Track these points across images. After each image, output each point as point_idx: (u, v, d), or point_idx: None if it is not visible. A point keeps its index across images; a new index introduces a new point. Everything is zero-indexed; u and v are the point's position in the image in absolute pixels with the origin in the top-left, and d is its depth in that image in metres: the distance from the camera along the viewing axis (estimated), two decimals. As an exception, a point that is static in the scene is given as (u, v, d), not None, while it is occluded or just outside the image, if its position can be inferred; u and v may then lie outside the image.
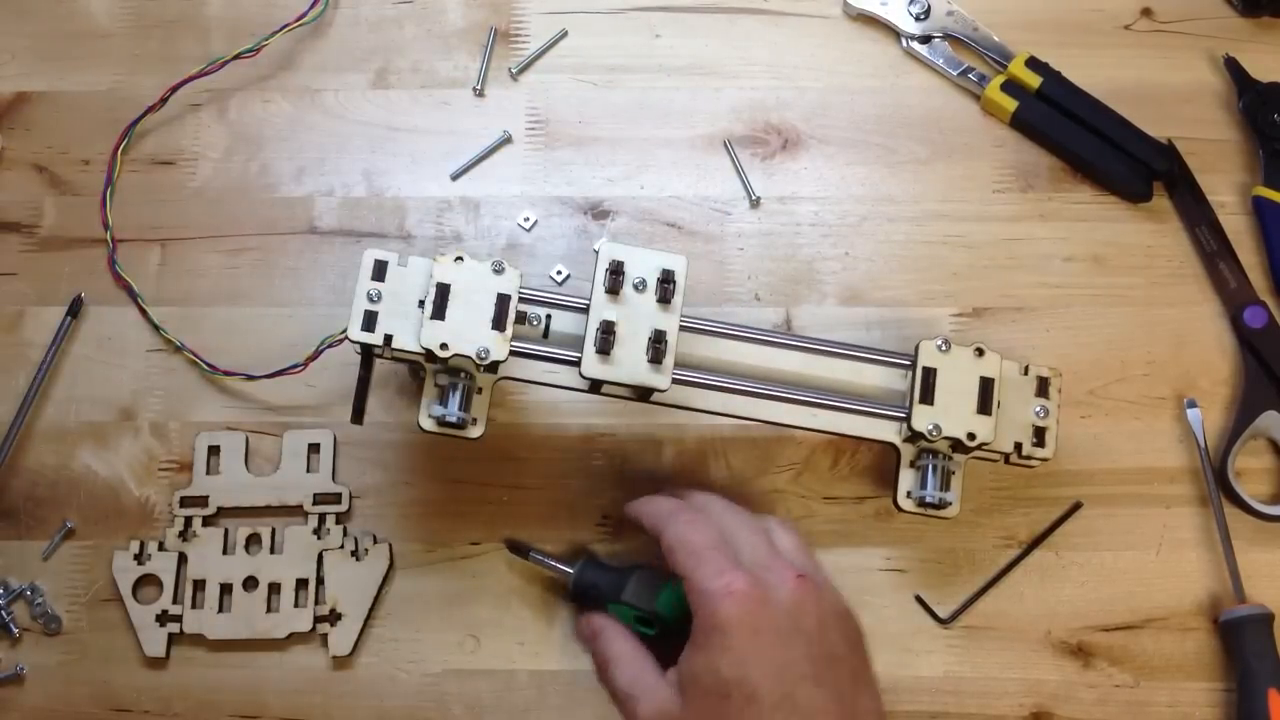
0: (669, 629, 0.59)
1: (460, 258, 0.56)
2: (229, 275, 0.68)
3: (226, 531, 0.63)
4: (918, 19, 0.71)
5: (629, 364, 0.55)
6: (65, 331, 0.66)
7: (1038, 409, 0.60)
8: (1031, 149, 0.70)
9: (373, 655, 0.63)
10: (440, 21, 0.72)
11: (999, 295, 0.67)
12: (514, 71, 0.71)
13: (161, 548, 0.63)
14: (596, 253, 0.57)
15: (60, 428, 0.66)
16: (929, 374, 0.58)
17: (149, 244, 0.68)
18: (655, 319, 0.56)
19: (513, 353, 0.55)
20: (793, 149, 0.70)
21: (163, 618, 0.62)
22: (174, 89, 0.69)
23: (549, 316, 0.58)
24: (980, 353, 0.59)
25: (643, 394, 0.57)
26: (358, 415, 0.59)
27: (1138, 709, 0.62)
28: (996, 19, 0.71)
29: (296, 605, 0.62)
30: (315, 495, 0.64)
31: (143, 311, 0.67)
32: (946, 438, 0.57)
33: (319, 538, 0.63)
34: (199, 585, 0.63)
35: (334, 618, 0.62)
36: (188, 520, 0.63)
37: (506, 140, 0.70)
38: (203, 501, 0.64)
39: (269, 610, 0.62)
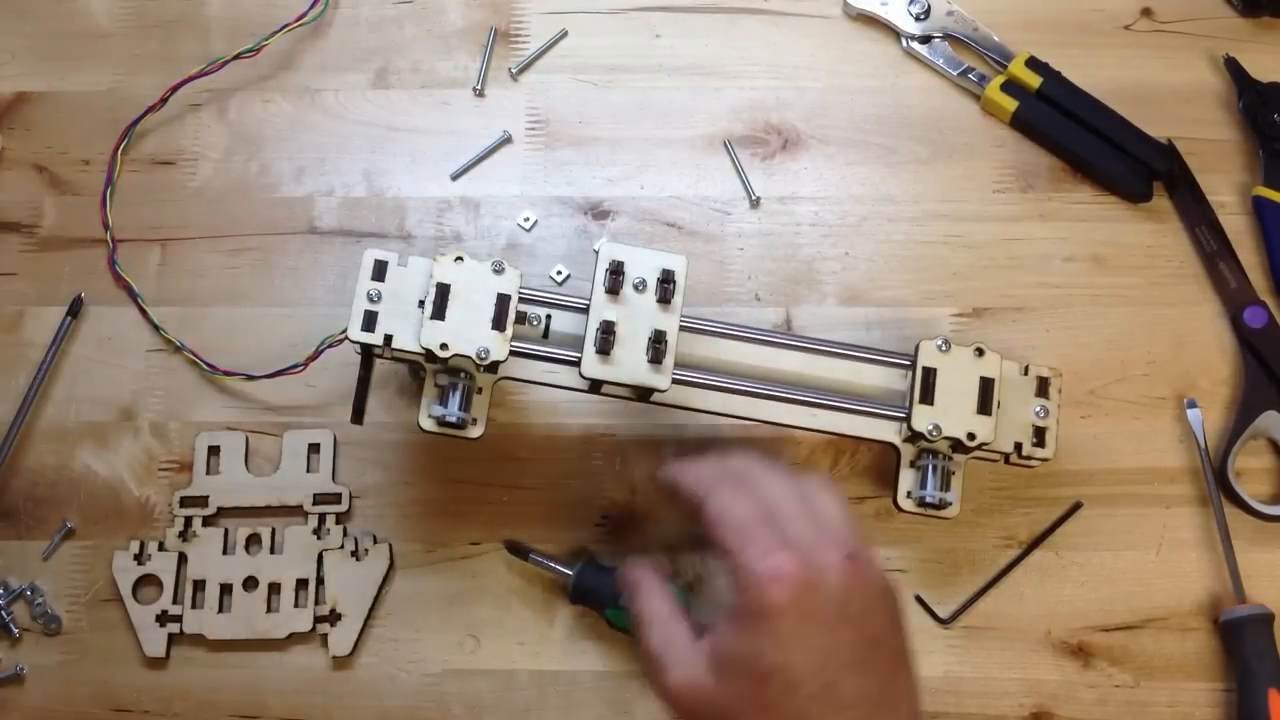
0: None
1: (460, 258, 0.56)
2: (229, 275, 0.68)
3: (226, 531, 0.63)
4: (918, 19, 0.71)
5: (629, 364, 0.55)
6: (65, 331, 0.66)
7: (1038, 409, 0.60)
8: (1031, 149, 0.70)
9: (373, 655, 0.63)
10: (440, 21, 0.72)
11: (999, 295, 0.67)
12: (514, 71, 0.71)
13: (161, 548, 0.63)
14: (596, 253, 0.57)
15: (60, 428, 0.66)
16: (929, 374, 0.58)
17: (149, 244, 0.68)
18: (655, 319, 0.56)
19: (513, 353, 0.55)
20: (793, 149, 0.70)
21: (163, 618, 0.62)
22: (174, 89, 0.69)
23: (549, 316, 0.58)
24: (980, 353, 0.59)
25: (643, 394, 0.57)
26: (358, 415, 0.59)
27: (1138, 709, 0.62)
28: (996, 19, 0.71)
29: (296, 605, 0.62)
30: (315, 495, 0.64)
31: (143, 311, 0.67)
32: (946, 438, 0.57)
33: (319, 538, 0.63)
34: (199, 585, 0.63)
35: (334, 618, 0.62)
36: (188, 520, 0.64)
37: (506, 140, 0.70)
38: (203, 501, 0.64)
39: (269, 610, 0.62)
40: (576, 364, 0.56)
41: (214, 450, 0.65)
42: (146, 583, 0.63)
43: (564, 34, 0.72)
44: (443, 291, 0.55)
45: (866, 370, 0.60)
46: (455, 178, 0.70)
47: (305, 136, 0.70)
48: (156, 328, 0.66)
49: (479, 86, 0.71)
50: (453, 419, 0.57)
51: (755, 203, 0.69)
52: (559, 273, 0.68)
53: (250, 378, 0.65)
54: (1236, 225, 0.68)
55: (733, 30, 0.72)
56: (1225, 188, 0.69)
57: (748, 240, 0.68)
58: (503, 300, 0.55)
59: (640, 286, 0.56)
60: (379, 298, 0.56)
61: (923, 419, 0.57)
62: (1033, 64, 0.70)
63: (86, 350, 0.67)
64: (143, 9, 0.73)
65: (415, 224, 0.69)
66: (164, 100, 0.69)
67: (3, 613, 0.63)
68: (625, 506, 0.64)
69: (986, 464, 0.62)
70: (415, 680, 0.62)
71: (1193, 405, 0.65)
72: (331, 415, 0.65)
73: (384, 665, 0.62)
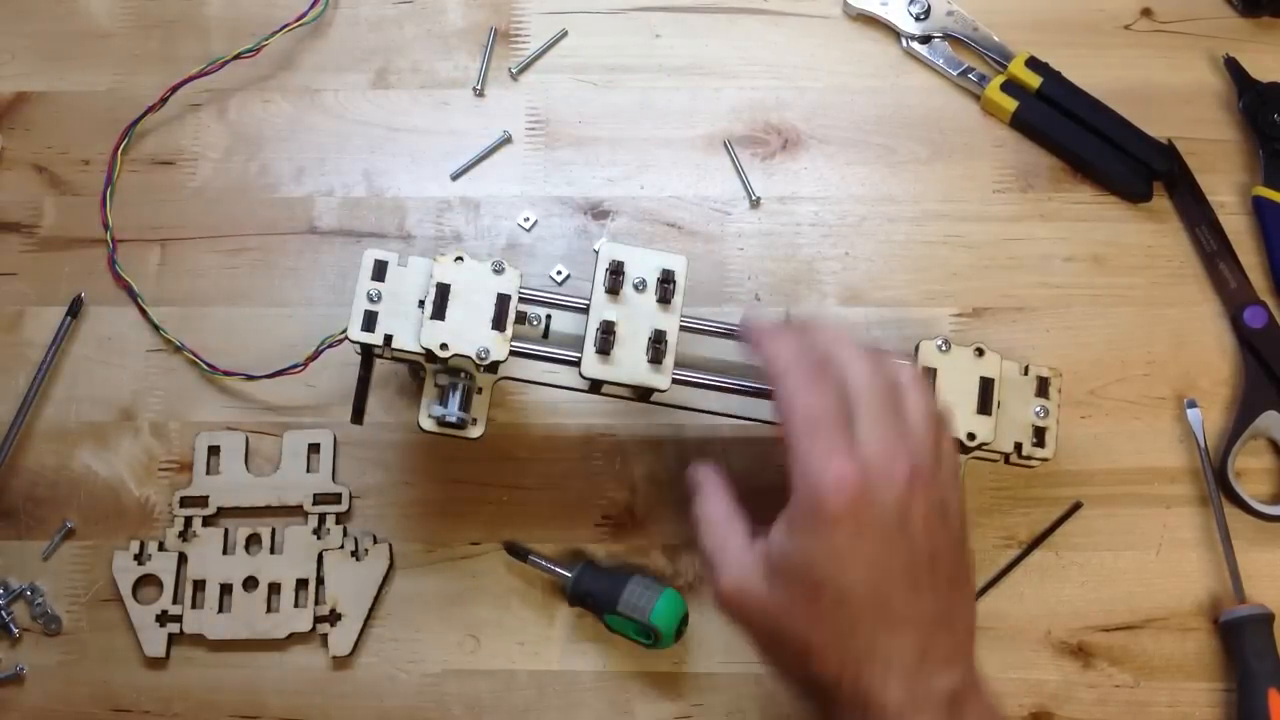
0: (666, 639, 0.59)
1: (460, 258, 0.56)
2: (229, 275, 0.68)
3: (226, 531, 0.63)
4: (918, 19, 0.71)
5: (629, 364, 0.55)
6: (65, 331, 0.66)
7: (1038, 409, 0.60)
8: (1031, 149, 0.70)
9: (373, 655, 0.63)
10: (440, 21, 0.72)
11: (999, 295, 0.67)
12: (514, 71, 0.71)
13: (161, 548, 0.63)
14: (596, 253, 0.57)
15: (60, 428, 0.66)
16: (929, 374, 0.58)
17: (149, 244, 0.68)
18: (655, 319, 0.56)
19: (513, 353, 0.55)
20: (793, 149, 0.70)
21: (163, 618, 0.62)
22: (174, 89, 0.69)
23: (549, 316, 0.58)
24: (980, 353, 0.59)
25: (643, 394, 0.57)
26: (358, 415, 0.59)
27: (1138, 709, 0.62)
28: (996, 19, 0.71)
29: (296, 605, 0.62)
30: (315, 495, 0.64)
31: (143, 311, 0.67)
32: (946, 438, 0.57)
33: (319, 538, 0.63)
34: (199, 585, 0.63)
35: (334, 618, 0.62)
36: (188, 520, 0.63)
37: (506, 140, 0.70)
38: (203, 501, 0.64)
39: (269, 610, 0.62)
40: (576, 364, 0.56)
41: (214, 450, 0.65)
42: (146, 583, 0.63)
43: (564, 34, 0.72)
44: (443, 291, 0.55)
45: (866, 370, 0.60)
46: (455, 178, 0.70)
47: (305, 136, 0.70)
48: (156, 328, 0.66)
49: (479, 86, 0.71)
50: (453, 419, 0.57)
51: (755, 203, 0.69)
52: (559, 273, 0.68)
53: (250, 378, 0.65)
54: (1236, 225, 0.68)
55: (733, 30, 0.72)
56: (1225, 188, 0.69)
57: (748, 240, 0.68)
58: (503, 300, 0.55)
59: (640, 286, 0.56)
60: (379, 298, 0.56)
61: (923, 419, 0.57)
62: (1033, 64, 0.70)
63: (86, 350, 0.67)
64: (143, 9, 0.73)
65: (415, 224, 0.69)
66: (164, 100, 0.69)
67: (3, 613, 0.63)
68: (625, 506, 0.64)
69: (986, 464, 0.62)
70: (415, 680, 0.62)
71: (1193, 405, 0.65)
72: (331, 415, 0.65)
73: (384, 665, 0.62)
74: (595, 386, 0.57)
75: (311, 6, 0.71)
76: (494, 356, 0.55)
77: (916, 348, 0.59)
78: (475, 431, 0.58)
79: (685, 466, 0.64)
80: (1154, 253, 0.68)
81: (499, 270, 0.56)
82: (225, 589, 0.63)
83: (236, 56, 0.69)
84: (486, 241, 0.68)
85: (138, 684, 0.62)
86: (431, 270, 0.55)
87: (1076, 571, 0.63)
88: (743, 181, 0.69)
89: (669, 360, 0.56)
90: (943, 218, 0.69)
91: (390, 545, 0.63)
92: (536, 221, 0.69)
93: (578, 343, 0.56)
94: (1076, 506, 0.64)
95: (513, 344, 0.55)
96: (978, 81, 0.70)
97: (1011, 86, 0.69)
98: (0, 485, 0.65)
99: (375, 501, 0.65)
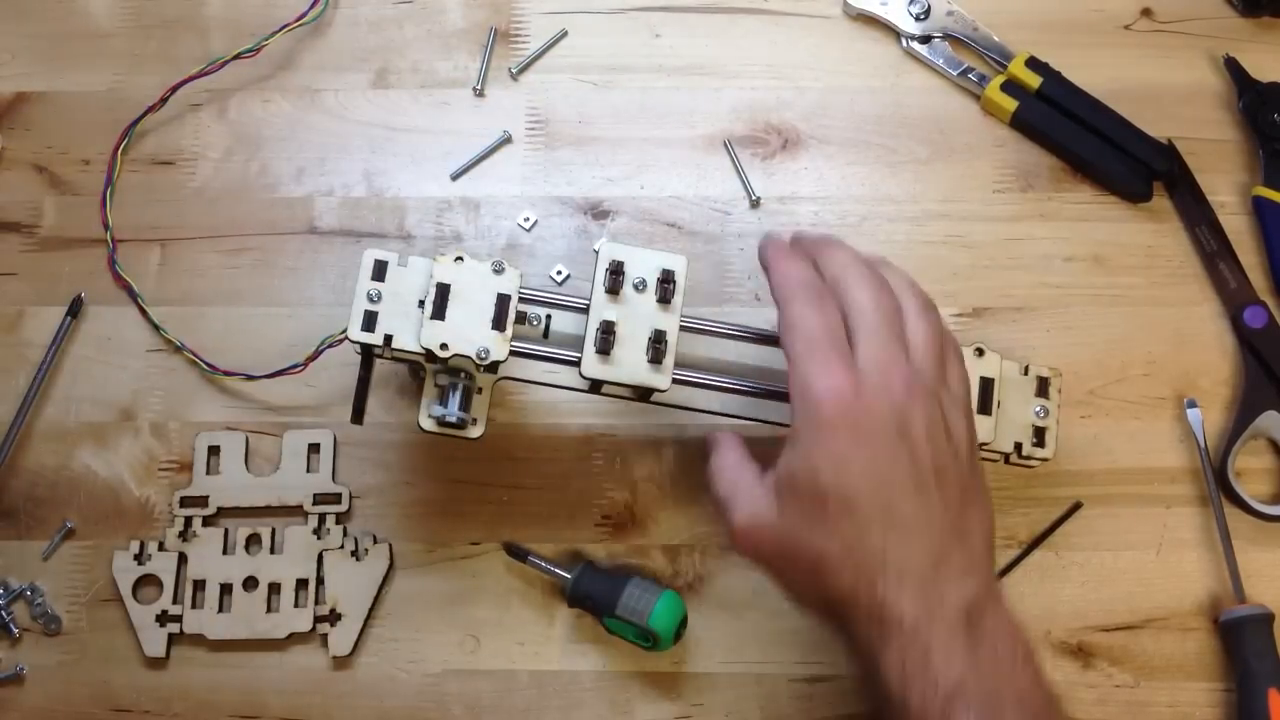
0: (665, 642, 0.59)
1: (460, 258, 0.56)
2: (229, 275, 0.68)
3: (226, 531, 0.63)
4: (918, 19, 0.71)
5: (629, 364, 0.55)
6: (65, 331, 0.66)
7: (1038, 409, 0.60)
8: (1031, 149, 0.70)
9: (373, 655, 0.63)
10: (440, 21, 0.72)
11: (999, 295, 0.67)
12: (514, 71, 0.71)
13: (161, 548, 0.63)
14: (596, 253, 0.57)
15: (60, 428, 0.66)
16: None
17: (149, 244, 0.68)
18: (655, 319, 0.56)
19: (513, 353, 0.55)
20: (793, 149, 0.70)
21: (163, 618, 0.62)
22: (174, 89, 0.69)
23: (549, 316, 0.58)
24: (980, 353, 0.59)
25: (643, 394, 0.57)
26: (358, 415, 0.59)
27: (1138, 709, 0.62)
28: (996, 19, 0.71)
29: (296, 605, 0.62)
30: (315, 495, 0.64)
31: (143, 311, 0.67)
32: (946, 438, 0.57)
33: (319, 538, 0.63)
34: (199, 585, 0.63)
35: (334, 618, 0.62)
36: (188, 520, 0.63)
37: (506, 140, 0.70)
38: (203, 501, 0.64)
39: (269, 610, 0.62)
40: (576, 364, 0.56)
41: (214, 450, 0.65)
42: (146, 583, 0.63)
43: (564, 34, 0.72)
44: (443, 291, 0.55)
45: (866, 370, 0.60)
46: (455, 178, 0.70)
47: (305, 136, 0.70)
48: (156, 328, 0.66)
49: (479, 86, 0.71)
50: (453, 419, 0.57)
51: (755, 203, 0.69)
52: (559, 273, 0.68)
53: (250, 378, 0.65)
54: (1236, 225, 0.68)
55: (733, 30, 0.72)
56: (1225, 188, 0.69)
57: (748, 240, 0.68)
58: (503, 300, 0.55)
59: (640, 286, 0.56)
60: (379, 298, 0.55)
61: (923, 419, 0.57)
62: (1033, 64, 0.70)
63: (86, 350, 0.67)
64: (143, 9, 0.73)
65: (415, 224, 0.69)
66: (164, 100, 0.69)
67: (3, 613, 0.63)
68: (625, 506, 0.64)
69: (986, 464, 0.61)
70: (415, 680, 0.62)
71: (1193, 405, 0.65)
72: (331, 415, 0.65)
73: (384, 665, 0.62)
74: (595, 386, 0.57)
75: (311, 6, 0.71)
76: (494, 356, 0.55)
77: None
78: (475, 431, 0.58)
79: (685, 466, 0.65)
80: (1154, 253, 0.68)
81: (499, 270, 0.56)
82: (225, 589, 0.63)
83: (236, 56, 0.69)
84: (486, 241, 0.68)
85: (138, 684, 0.62)
86: (431, 270, 0.55)
87: (1076, 572, 0.63)
88: (743, 181, 0.69)
89: (669, 360, 0.56)
90: (943, 218, 0.69)
91: (390, 545, 0.63)
92: (536, 221, 0.69)
93: (578, 343, 0.56)
94: (1076, 506, 0.64)
95: (513, 344, 0.55)
96: (978, 81, 0.70)
97: (1011, 86, 0.69)
98: (0, 485, 0.65)
99: (375, 501, 0.65)
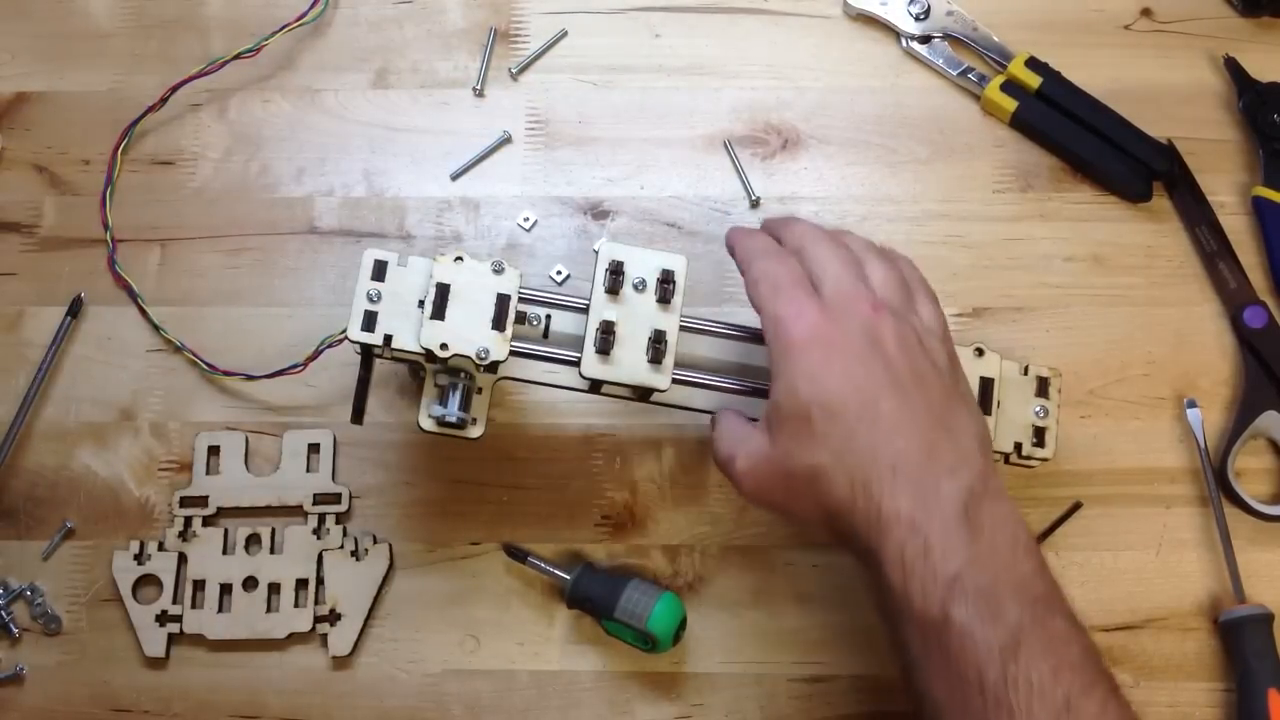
0: (664, 644, 0.59)
1: (460, 258, 0.56)
2: (229, 275, 0.68)
3: (226, 531, 0.63)
4: (918, 19, 0.71)
5: (629, 364, 0.55)
6: (65, 331, 0.66)
7: (1038, 409, 0.60)
8: (1031, 149, 0.70)
9: (373, 655, 0.63)
10: (440, 21, 0.72)
11: (999, 295, 0.67)
12: (514, 71, 0.71)
13: (161, 548, 0.63)
14: (596, 253, 0.57)
15: (60, 428, 0.66)
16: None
17: (149, 244, 0.68)
18: (655, 319, 0.56)
19: (513, 353, 0.55)
20: (793, 149, 0.70)
21: (163, 618, 0.62)
22: (174, 89, 0.69)
23: (549, 316, 0.58)
24: (980, 353, 0.59)
25: (643, 394, 0.57)
26: (358, 415, 0.59)
27: (1138, 709, 0.61)
28: (996, 19, 0.71)
29: (296, 605, 0.62)
30: (315, 495, 0.64)
31: (143, 311, 0.67)
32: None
33: (319, 538, 0.63)
34: (199, 585, 0.63)
35: (334, 618, 0.62)
36: (188, 520, 0.64)
37: (506, 140, 0.70)
38: (203, 501, 0.64)
39: (269, 610, 0.62)
40: (576, 364, 0.56)
41: (214, 450, 0.65)
42: (146, 583, 0.63)
43: (564, 34, 0.72)
44: (443, 291, 0.55)
45: (866, 370, 0.60)
46: (455, 178, 0.70)
47: (305, 136, 0.70)
48: (156, 328, 0.66)
49: (479, 86, 0.71)
50: (453, 419, 0.57)
51: (755, 203, 0.69)
52: (559, 273, 0.68)
53: (250, 378, 0.65)
54: (1236, 225, 0.68)
55: (733, 30, 0.72)
56: (1225, 188, 0.69)
57: (748, 240, 0.68)
58: (503, 300, 0.55)
59: (640, 286, 0.56)
60: (379, 298, 0.55)
61: (923, 419, 0.57)
62: (1033, 64, 0.70)
63: (86, 350, 0.67)
64: (143, 9, 0.73)
65: (415, 224, 0.69)
66: (164, 100, 0.69)
67: (3, 613, 0.63)
68: (625, 506, 0.64)
69: (986, 464, 0.62)
70: (415, 680, 0.62)
71: (1193, 405, 0.65)
72: (331, 415, 0.65)
73: (384, 665, 0.62)
74: (595, 386, 0.57)
75: (311, 6, 0.71)
76: (494, 356, 0.55)
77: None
78: (475, 431, 0.58)
79: (685, 466, 0.65)
80: (1154, 253, 0.68)
81: (499, 270, 0.56)
82: (225, 589, 0.63)
83: (236, 56, 0.69)
84: (486, 241, 0.68)
85: (138, 684, 0.62)
86: (431, 270, 0.55)
87: (1076, 571, 0.63)
88: (743, 181, 0.69)
89: (669, 360, 0.56)
90: (943, 218, 0.69)
91: (390, 545, 0.63)
92: (536, 221, 0.69)
93: (578, 343, 0.56)
94: (1076, 506, 0.64)
95: (513, 344, 0.55)
96: (978, 81, 0.70)
97: (1011, 86, 0.69)
98: (0, 485, 0.65)
99: (375, 501, 0.65)
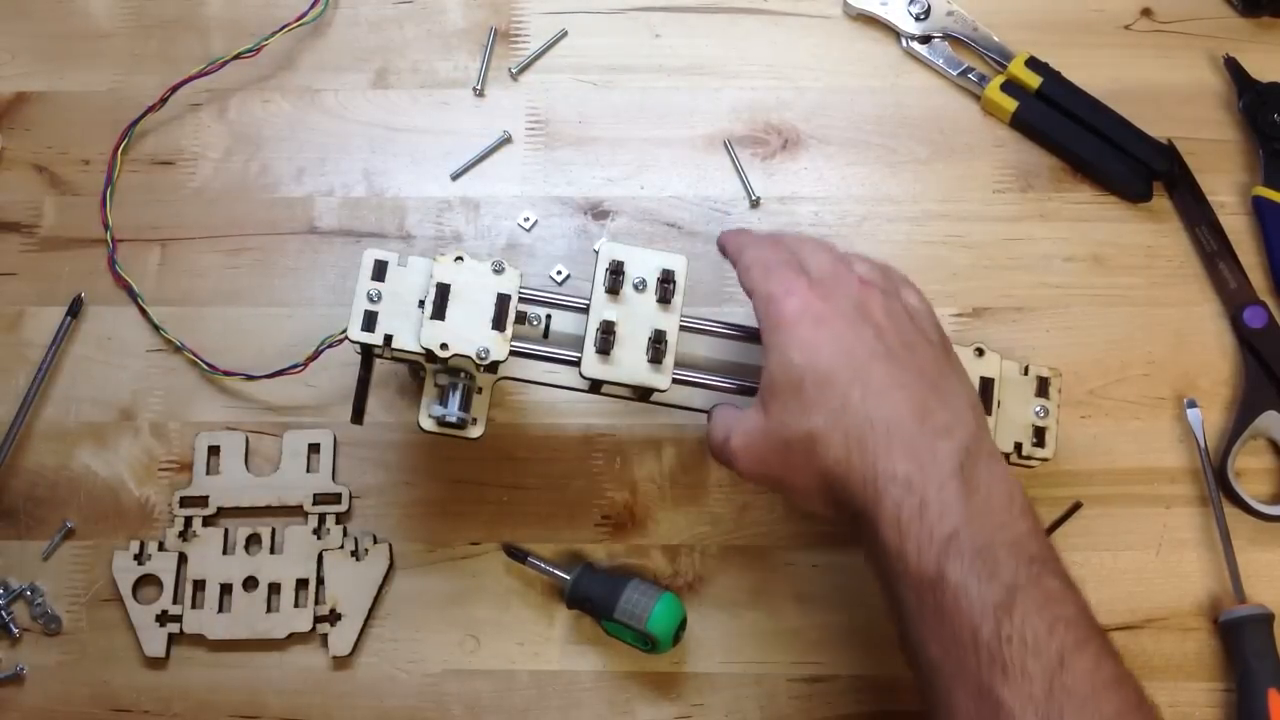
0: (664, 645, 0.59)
1: (460, 258, 0.56)
2: (229, 275, 0.68)
3: (226, 531, 0.63)
4: (918, 19, 0.71)
5: (629, 364, 0.55)
6: (65, 331, 0.66)
7: (1038, 409, 0.60)
8: (1031, 149, 0.70)
9: (373, 655, 0.63)
10: (440, 21, 0.72)
11: (999, 295, 0.67)
12: (514, 71, 0.71)
13: (161, 548, 0.63)
14: (596, 253, 0.57)
15: (60, 428, 0.66)
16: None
17: (149, 244, 0.68)
18: (655, 319, 0.56)
19: (513, 353, 0.55)
20: (793, 149, 0.70)
21: (163, 618, 0.62)
22: (174, 89, 0.69)
23: (549, 316, 0.58)
24: (980, 353, 0.59)
25: (643, 394, 0.57)
26: (358, 415, 0.59)
27: (1138, 709, 0.62)
28: (996, 19, 0.71)
29: (296, 605, 0.62)
30: (315, 495, 0.64)
31: (143, 311, 0.67)
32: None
33: (319, 538, 0.63)
34: (199, 585, 0.63)
35: (334, 618, 0.62)
36: (188, 520, 0.64)
37: (506, 140, 0.70)
38: (203, 501, 0.64)
39: (269, 610, 0.62)
40: (576, 364, 0.56)
41: (214, 450, 0.65)
42: (146, 583, 0.63)
43: (564, 34, 0.72)
44: (443, 291, 0.55)
45: (866, 370, 0.60)
46: (455, 178, 0.70)
47: (305, 136, 0.70)
48: (156, 328, 0.66)
49: (479, 86, 0.71)
50: (453, 419, 0.57)
51: (755, 203, 0.69)
52: (559, 273, 0.68)
53: (250, 378, 0.65)
54: (1236, 225, 0.68)
55: (733, 30, 0.72)
56: (1225, 188, 0.69)
57: (748, 240, 0.68)
58: (503, 300, 0.55)
59: (640, 286, 0.56)
60: (379, 298, 0.55)
61: (923, 419, 0.57)
62: (1033, 64, 0.70)
63: (86, 350, 0.67)
64: (143, 9, 0.73)
65: (415, 224, 0.69)
66: (164, 100, 0.69)
67: (3, 613, 0.63)
68: (625, 506, 0.64)
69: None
70: (415, 680, 0.62)
71: (1193, 405, 0.65)
72: (331, 415, 0.65)
73: (384, 665, 0.62)
74: (595, 386, 0.57)
75: (311, 6, 0.71)
76: (494, 356, 0.55)
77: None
78: (475, 431, 0.58)
79: (685, 466, 0.65)
80: (1154, 253, 0.68)
81: (499, 270, 0.56)
82: (225, 589, 0.63)
83: (236, 56, 0.69)
84: (486, 241, 0.68)
85: (138, 684, 0.62)
86: (431, 270, 0.55)
87: (1076, 571, 0.62)
88: (743, 181, 0.69)
89: (669, 360, 0.56)
90: (943, 218, 0.69)
91: (390, 545, 0.63)
92: (536, 221, 0.69)
93: (578, 343, 0.56)
94: (1076, 506, 0.64)
95: (513, 344, 0.55)
96: (978, 81, 0.70)
97: (1011, 86, 0.69)
98: (0, 485, 0.65)
99: (375, 501, 0.65)
